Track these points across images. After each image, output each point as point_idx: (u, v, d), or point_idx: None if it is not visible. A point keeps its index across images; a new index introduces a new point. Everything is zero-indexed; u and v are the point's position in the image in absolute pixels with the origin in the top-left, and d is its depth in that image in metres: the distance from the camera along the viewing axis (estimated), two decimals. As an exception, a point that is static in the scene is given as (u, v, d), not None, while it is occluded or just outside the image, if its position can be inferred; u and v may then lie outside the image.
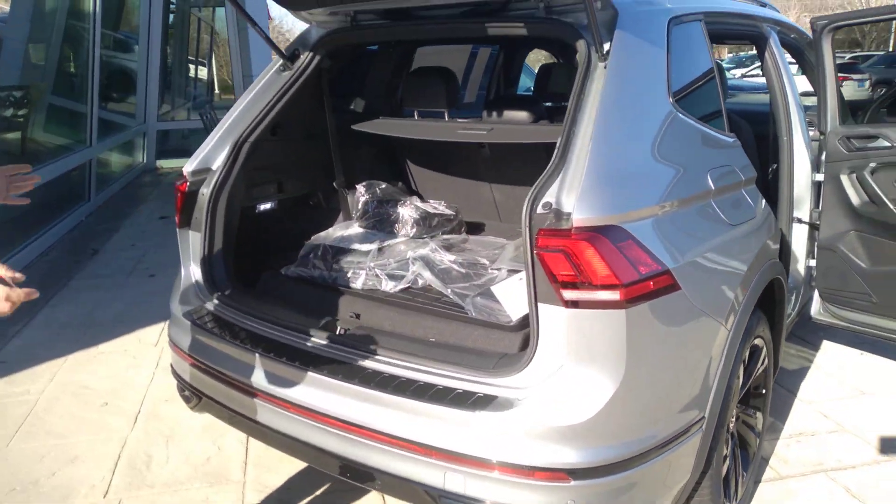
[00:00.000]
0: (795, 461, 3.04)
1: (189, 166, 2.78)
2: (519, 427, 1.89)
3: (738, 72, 21.10)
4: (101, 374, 3.90)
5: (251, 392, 2.37)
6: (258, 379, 2.34)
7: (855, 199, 3.25)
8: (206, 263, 2.75)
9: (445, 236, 3.01)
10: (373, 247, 2.80)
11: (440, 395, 2.00)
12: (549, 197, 1.94)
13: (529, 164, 3.16)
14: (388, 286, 2.58)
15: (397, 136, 3.14)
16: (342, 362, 2.23)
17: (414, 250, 2.68)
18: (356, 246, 2.84)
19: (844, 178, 3.27)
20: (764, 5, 3.60)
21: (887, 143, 3.12)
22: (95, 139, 7.81)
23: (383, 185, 3.20)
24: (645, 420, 1.97)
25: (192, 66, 13.88)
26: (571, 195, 1.88)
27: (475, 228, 3.44)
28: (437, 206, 3.05)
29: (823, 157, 3.36)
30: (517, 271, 2.59)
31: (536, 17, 2.35)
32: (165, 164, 10.55)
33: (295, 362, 2.27)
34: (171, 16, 11.34)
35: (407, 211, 2.94)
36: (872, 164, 3.16)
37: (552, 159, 2.03)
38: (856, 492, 2.83)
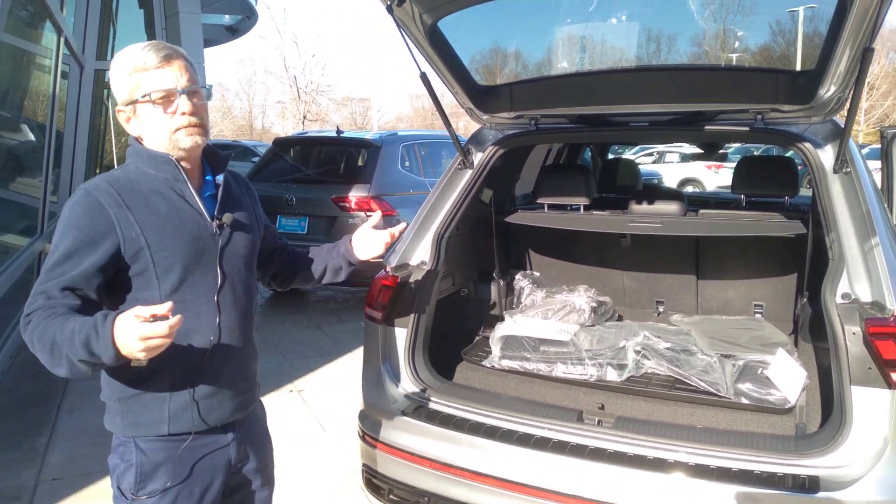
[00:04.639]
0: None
1: (393, 261, 2.76)
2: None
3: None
4: None
5: (524, 490, 2.33)
6: (528, 475, 2.31)
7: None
8: (411, 358, 2.71)
9: (623, 322, 3.14)
10: (569, 337, 2.86)
11: (767, 479, 2.10)
12: (844, 289, 2.18)
13: (668, 253, 3.41)
14: (613, 375, 2.66)
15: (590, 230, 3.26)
16: (625, 453, 2.27)
17: (626, 339, 2.78)
18: (551, 335, 2.89)
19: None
20: None
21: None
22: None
23: (536, 275, 3.29)
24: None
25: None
26: (879, 288, 2.13)
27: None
28: (597, 295, 3.18)
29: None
30: (728, 356, 2.76)
31: (755, 127, 2.61)
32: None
33: (573, 455, 2.28)
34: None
35: (582, 300, 3.05)
36: None
37: (832, 256, 2.28)
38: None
